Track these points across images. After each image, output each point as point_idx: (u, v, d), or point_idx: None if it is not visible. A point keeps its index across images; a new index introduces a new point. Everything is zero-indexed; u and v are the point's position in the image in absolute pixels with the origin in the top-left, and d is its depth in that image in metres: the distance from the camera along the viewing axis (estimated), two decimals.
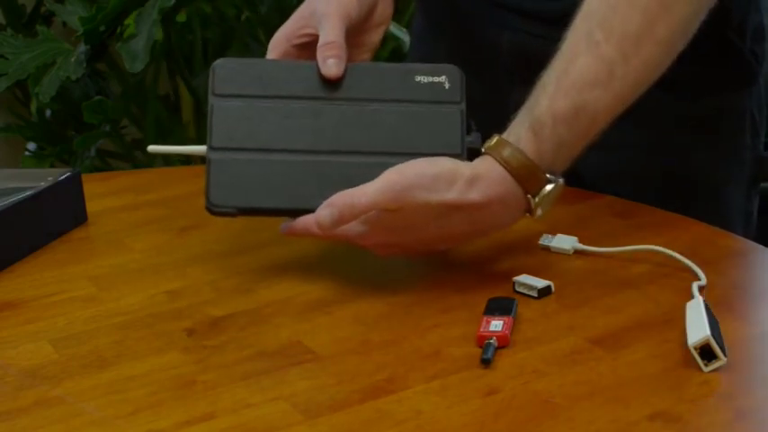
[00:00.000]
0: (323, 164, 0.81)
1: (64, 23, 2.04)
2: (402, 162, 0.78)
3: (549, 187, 0.78)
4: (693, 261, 0.80)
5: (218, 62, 0.84)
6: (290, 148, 0.82)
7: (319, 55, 0.85)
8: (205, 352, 0.72)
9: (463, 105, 0.85)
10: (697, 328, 0.68)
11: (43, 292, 0.83)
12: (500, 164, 0.77)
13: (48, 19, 2.15)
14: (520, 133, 0.78)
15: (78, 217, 0.96)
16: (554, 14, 0.89)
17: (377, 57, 0.97)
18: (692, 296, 0.74)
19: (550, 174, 0.78)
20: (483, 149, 0.79)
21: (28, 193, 0.90)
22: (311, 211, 0.78)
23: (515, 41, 1.00)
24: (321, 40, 0.85)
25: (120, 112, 1.87)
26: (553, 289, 0.78)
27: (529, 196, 0.78)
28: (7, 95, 2.15)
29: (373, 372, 0.68)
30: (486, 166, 0.78)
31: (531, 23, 0.98)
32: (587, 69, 0.78)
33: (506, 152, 0.77)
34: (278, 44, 0.89)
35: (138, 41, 1.71)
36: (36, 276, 0.86)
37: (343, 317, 0.76)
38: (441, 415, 0.63)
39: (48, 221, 0.92)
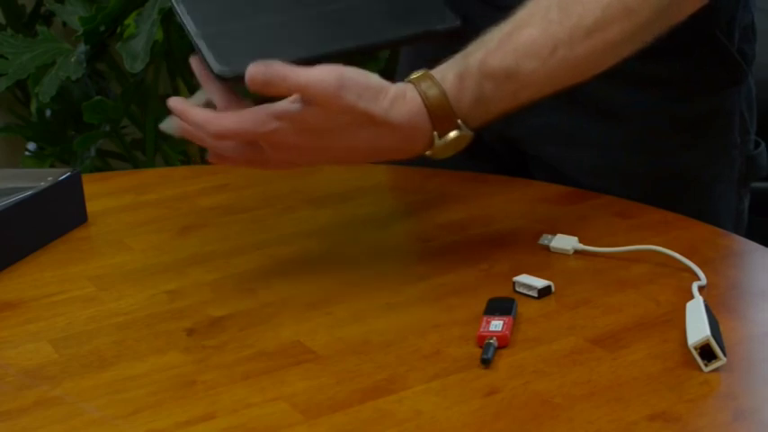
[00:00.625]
0: (312, 17, 0.81)
1: (64, 23, 2.04)
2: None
3: (454, 133, 0.79)
4: (693, 261, 0.80)
5: None
6: (273, 13, 0.82)
7: None
8: (205, 352, 0.72)
9: None
10: (697, 328, 0.68)
11: (43, 292, 0.83)
12: (420, 95, 0.78)
13: (48, 19, 2.15)
14: (447, 75, 0.79)
15: (78, 217, 0.96)
16: None
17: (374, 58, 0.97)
18: (692, 296, 0.74)
19: (461, 122, 0.79)
20: (406, 79, 0.79)
21: (28, 193, 0.90)
22: (323, 58, 0.77)
23: None
24: None
25: (120, 112, 1.87)
26: (553, 289, 0.78)
27: (435, 134, 0.79)
28: (7, 95, 2.15)
29: (373, 372, 0.68)
30: (407, 91, 0.78)
31: None
32: (532, 40, 0.79)
33: (428, 88, 0.78)
34: None
35: (138, 41, 1.71)
36: (36, 276, 0.86)
37: (343, 317, 0.76)
38: (441, 415, 0.63)
39: (48, 221, 0.92)
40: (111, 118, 1.85)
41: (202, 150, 2.09)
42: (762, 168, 1.06)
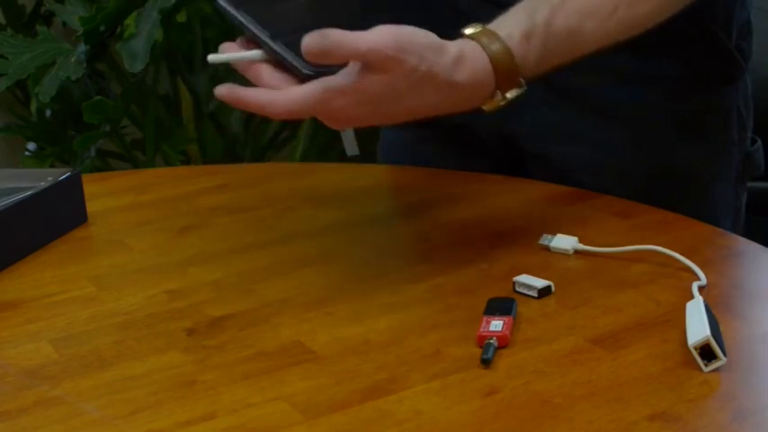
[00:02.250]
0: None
1: (64, 23, 2.04)
2: None
3: (515, 91, 0.80)
4: (693, 261, 0.80)
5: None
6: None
7: None
8: (205, 352, 0.72)
9: None
10: (697, 328, 0.68)
11: (43, 292, 0.83)
12: (487, 54, 0.78)
13: (48, 19, 2.15)
14: (513, 33, 0.79)
15: (78, 217, 0.96)
16: None
17: None
18: (692, 296, 0.74)
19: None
20: (468, 33, 0.79)
21: (28, 193, 0.90)
22: None
23: None
24: None
25: (120, 112, 1.87)
26: (553, 289, 0.78)
27: (498, 92, 0.79)
28: (7, 95, 2.15)
29: (373, 372, 0.68)
30: (472, 50, 0.78)
31: None
32: (594, 0, 0.81)
33: (495, 47, 0.78)
34: None
35: (138, 41, 1.71)
36: (36, 276, 0.86)
37: (343, 317, 0.76)
38: (441, 415, 0.63)
39: (48, 221, 0.92)
40: (111, 118, 1.85)
41: (202, 150, 2.09)
42: (759, 166, 1.07)
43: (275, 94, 0.75)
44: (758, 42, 1.05)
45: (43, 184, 0.92)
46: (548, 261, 0.83)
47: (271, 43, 0.78)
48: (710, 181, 1.03)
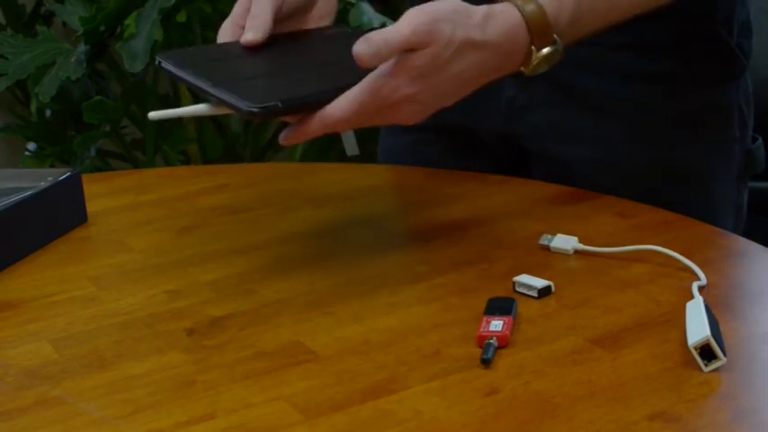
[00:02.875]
0: (304, 64, 0.85)
1: (64, 23, 2.04)
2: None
3: (550, 48, 0.80)
4: (693, 261, 0.80)
5: (160, 54, 0.86)
6: (265, 64, 0.86)
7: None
8: (205, 352, 0.72)
9: None
10: (697, 328, 0.68)
11: (43, 292, 0.83)
12: (519, 11, 0.79)
13: (48, 19, 2.15)
14: None
15: (78, 217, 0.96)
16: None
17: None
18: (692, 296, 0.74)
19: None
20: None
21: (28, 193, 0.90)
22: (343, 88, 0.77)
23: None
24: (247, 18, 0.87)
25: (120, 112, 1.88)
26: (553, 289, 0.78)
27: (533, 48, 0.80)
28: (7, 95, 2.15)
29: (373, 372, 0.68)
30: (502, 8, 0.79)
31: None
32: None
33: (529, 6, 0.79)
34: (225, 31, 0.89)
35: (138, 41, 1.71)
36: (36, 276, 0.86)
37: (343, 317, 0.76)
38: (441, 415, 0.63)
39: (48, 221, 0.92)
40: (111, 118, 1.85)
41: (202, 150, 2.09)
42: (760, 163, 1.07)
43: (328, 105, 0.77)
44: (758, 41, 1.05)
45: (43, 184, 0.92)
46: (548, 261, 0.83)
47: (214, 90, 0.80)
48: (712, 178, 1.03)
